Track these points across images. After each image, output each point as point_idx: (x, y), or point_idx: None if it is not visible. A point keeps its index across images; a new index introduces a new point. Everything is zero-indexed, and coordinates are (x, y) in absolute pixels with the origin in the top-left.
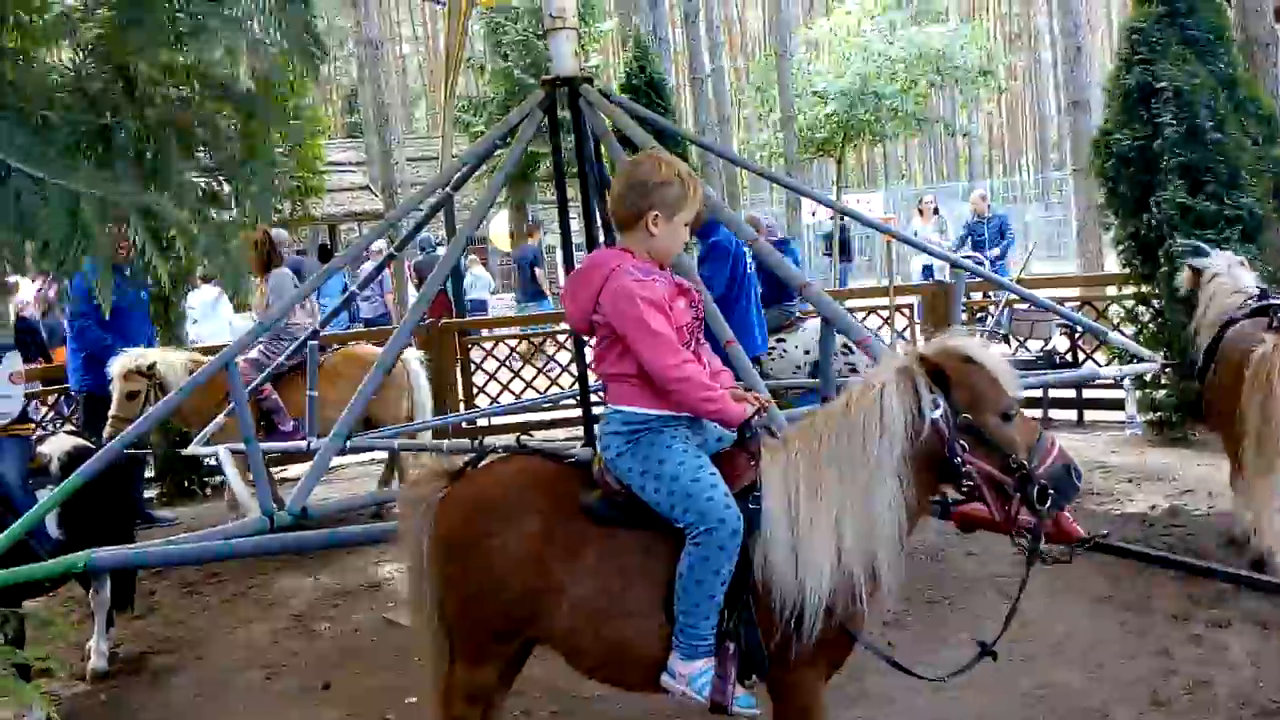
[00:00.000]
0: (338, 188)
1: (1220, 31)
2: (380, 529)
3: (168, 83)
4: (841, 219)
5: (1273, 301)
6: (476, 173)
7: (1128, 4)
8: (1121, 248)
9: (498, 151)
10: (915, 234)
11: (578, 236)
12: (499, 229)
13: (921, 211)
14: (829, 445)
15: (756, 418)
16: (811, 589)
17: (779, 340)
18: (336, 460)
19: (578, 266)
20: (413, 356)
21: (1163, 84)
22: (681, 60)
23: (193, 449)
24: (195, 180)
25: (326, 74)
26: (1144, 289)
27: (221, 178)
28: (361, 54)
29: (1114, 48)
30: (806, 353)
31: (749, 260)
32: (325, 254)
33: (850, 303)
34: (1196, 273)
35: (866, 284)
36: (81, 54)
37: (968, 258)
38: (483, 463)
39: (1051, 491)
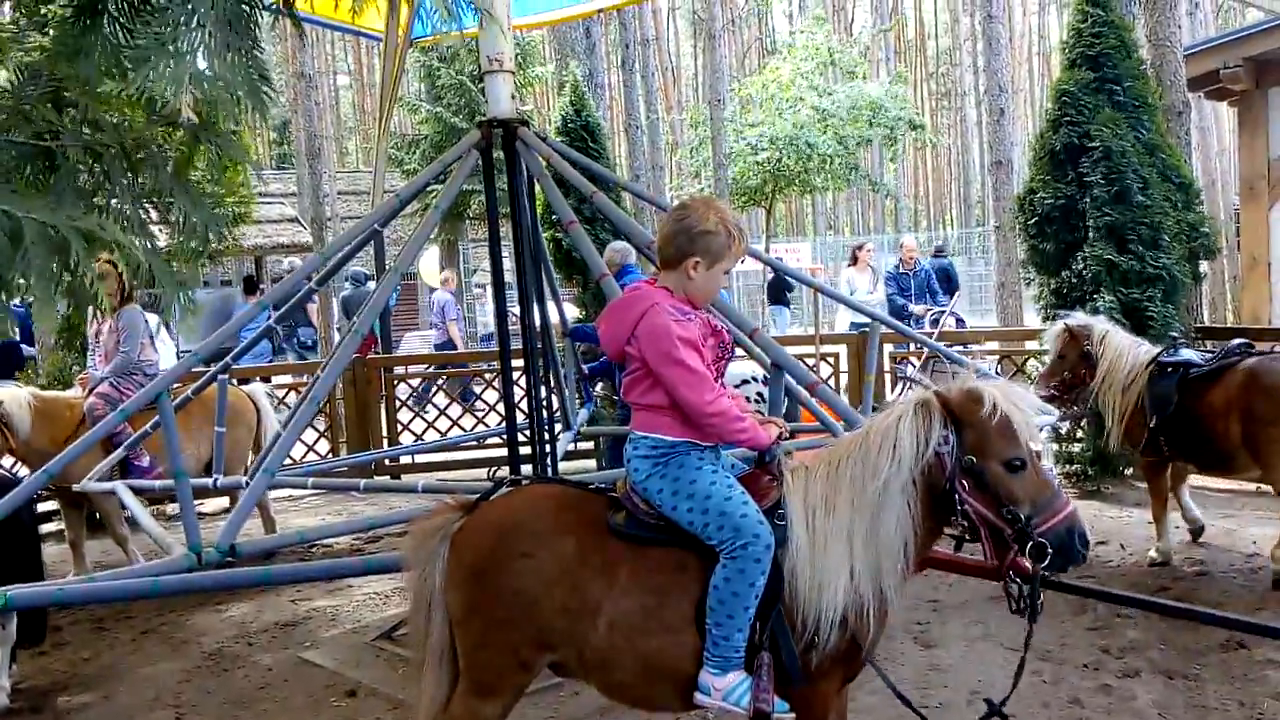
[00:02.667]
0: (266, 219)
1: (1144, 98)
2: (314, 568)
3: (109, 110)
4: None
5: (1240, 343)
6: (408, 208)
7: (1050, 69)
8: (1042, 303)
9: (430, 188)
10: (849, 281)
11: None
12: (429, 265)
13: (857, 260)
14: (844, 465)
15: (778, 442)
16: (827, 602)
17: None
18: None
19: (618, 297)
20: (260, 392)
21: (1094, 144)
22: (617, 106)
23: (85, 485)
24: (130, 207)
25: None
26: None
27: (152, 204)
28: (295, 86)
29: (1037, 110)
30: None
31: None
32: (250, 285)
33: None
34: (1073, 333)
35: (793, 332)
36: (19, 75)
37: (940, 310)
38: (498, 493)
39: (1050, 551)
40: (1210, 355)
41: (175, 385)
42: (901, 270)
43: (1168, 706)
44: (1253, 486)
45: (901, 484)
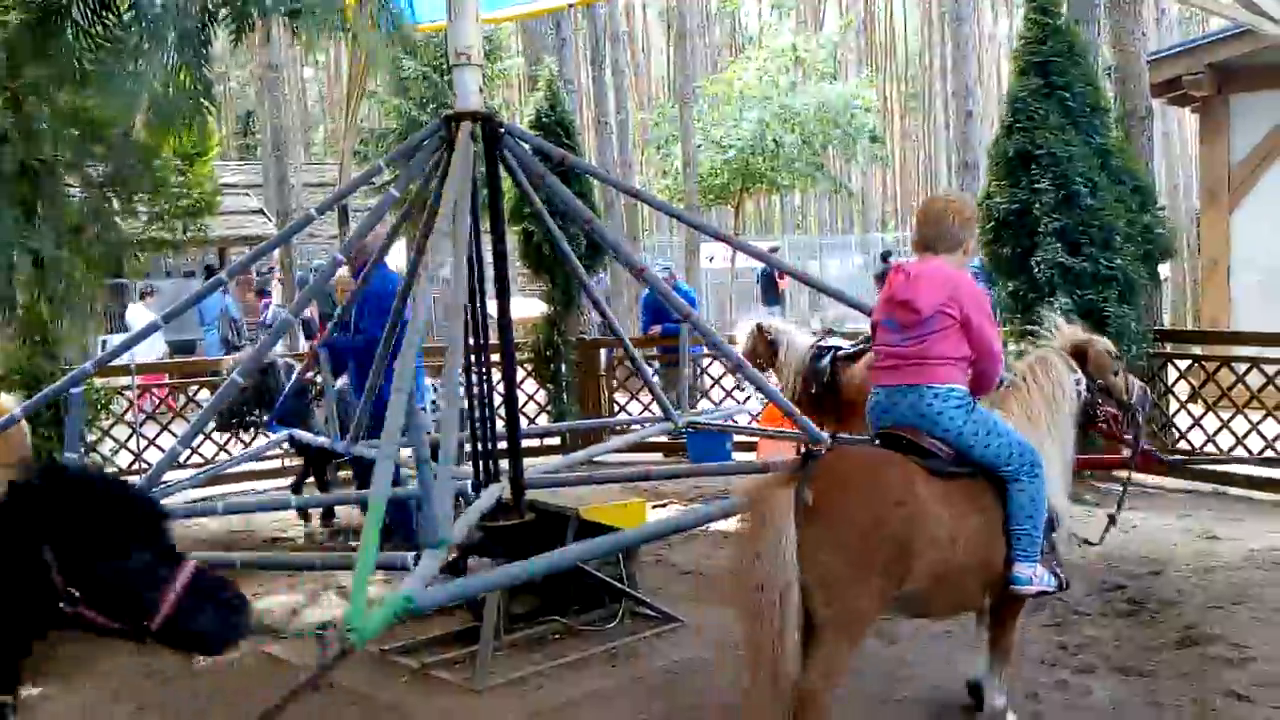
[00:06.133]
0: (230, 210)
1: (1095, 104)
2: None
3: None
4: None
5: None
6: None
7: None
8: (1001, 305)
9: (380, 178)
10: None
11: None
12: (397, 261)
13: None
14: (1033, 408)
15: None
16: (1060, 502)
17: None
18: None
19: (908, 269)
20: (9, 400)
21: (1041, 151)
22: (587, 102)
23: None
24: (80, 196)
25: (221, 93)
26: (1023, 345)
27: (110, 194)
28: (262, 76)
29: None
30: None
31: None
32: (212, 275)
33: None
34: (761, 330)
35: None
36: None
37: None
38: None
39: (1140, 411)
40: (856, 342)
41: None
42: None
43: (1123, 702)
44: (1209, 487)
45: (1072, 413)
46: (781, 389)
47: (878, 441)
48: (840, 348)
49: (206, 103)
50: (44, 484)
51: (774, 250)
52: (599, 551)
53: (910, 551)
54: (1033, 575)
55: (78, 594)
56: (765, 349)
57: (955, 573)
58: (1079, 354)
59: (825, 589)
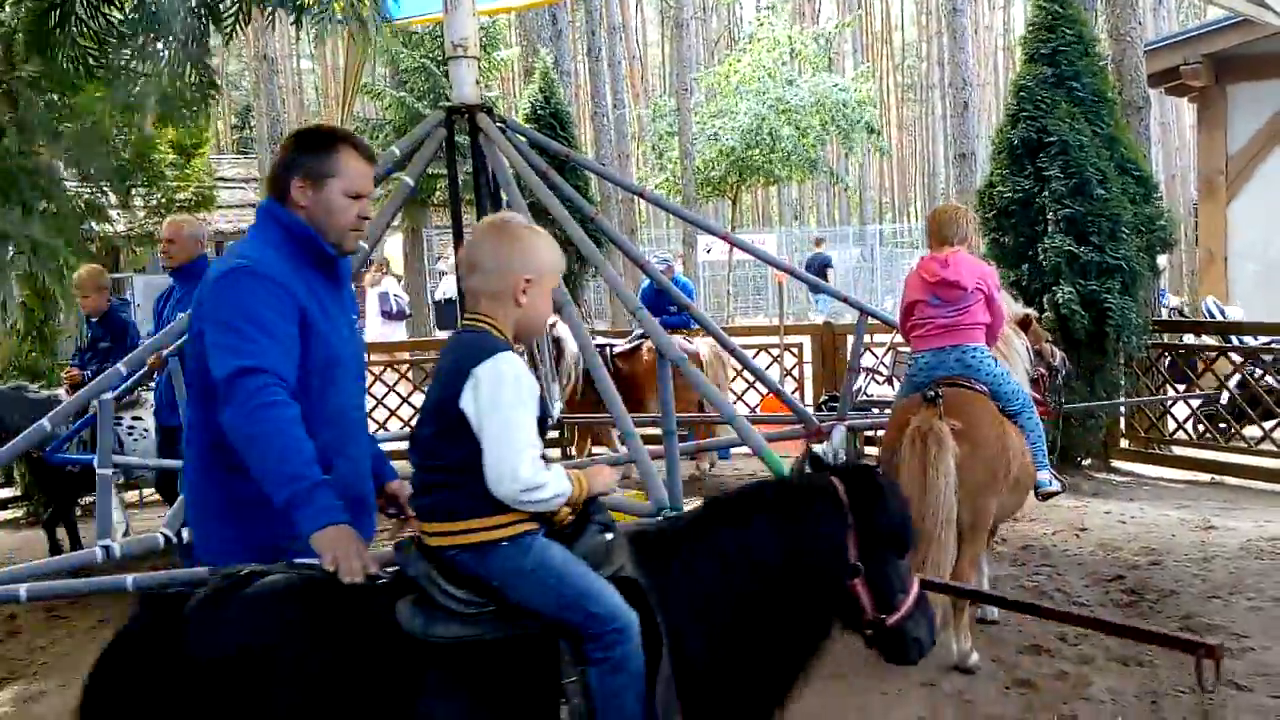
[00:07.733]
0: (227, 204)
1: (1102, 94)
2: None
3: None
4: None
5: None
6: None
7: (1015, 63)
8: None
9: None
10: None
11: None
12: (393, 252)
13: None
14: (1009, 356)
15: None
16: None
17: (135, 419)
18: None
19: (941, 259)
20: None
21: (1052, 139)
22: (583, 94)
23: None
24: (78, 191)
25: (220, 86)
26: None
27: (105, 188)
28: (257, 70)
29: (1002, 104)
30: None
31: None
32: None
33: (741, 340)
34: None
35: (757, 323)
36: None
37: None
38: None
39: (1060, 373)
40: (629, 339)
41: None
42: None
43: (1121, 692)
44: (1206, 478)
45: (1027, 372)
46: (565, 382)
47: (940, 389)
48: (615, 344)
49: (212, 93)
50: (856, 474)
51: (820, 241)
52: None
53: (1009, 461)
54: (1050, 478)
55: (862, 568)
56: (553, 346)
57: (1024, 478)
58: (1023, 325)
59: (972, 496)
